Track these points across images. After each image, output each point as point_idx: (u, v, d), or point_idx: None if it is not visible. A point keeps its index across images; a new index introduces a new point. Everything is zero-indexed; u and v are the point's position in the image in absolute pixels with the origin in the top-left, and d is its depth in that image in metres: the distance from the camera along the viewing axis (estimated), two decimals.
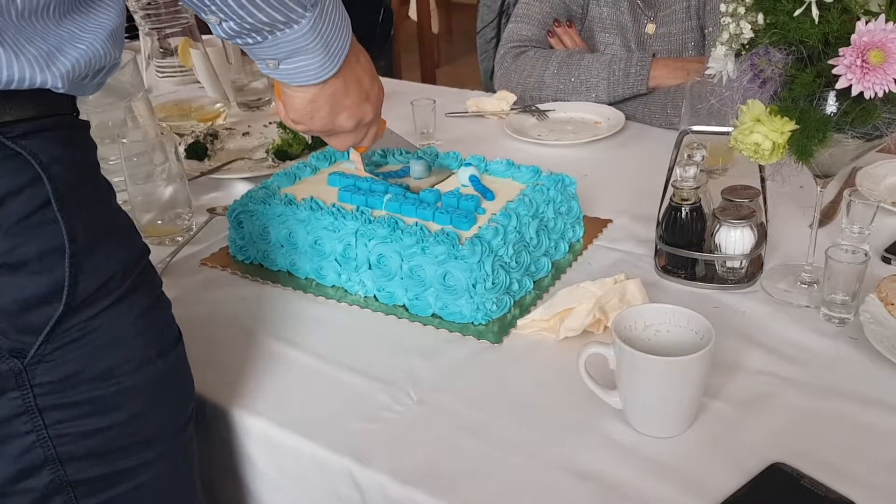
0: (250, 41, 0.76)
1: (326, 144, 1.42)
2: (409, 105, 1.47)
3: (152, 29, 1.64)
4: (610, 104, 1.55)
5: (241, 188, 1.31)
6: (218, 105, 1.62)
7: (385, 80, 1.92)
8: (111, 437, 0.69)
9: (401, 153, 1.19)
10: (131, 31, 2.67)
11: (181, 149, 1.43)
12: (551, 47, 1.65)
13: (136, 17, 1.65)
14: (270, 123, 1.58)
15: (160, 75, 1.67)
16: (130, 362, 0.69)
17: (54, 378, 0.64)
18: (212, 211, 1.26)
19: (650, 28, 1.61)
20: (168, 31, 1.65)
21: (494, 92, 1.66)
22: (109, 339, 0.66)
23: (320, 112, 0.87)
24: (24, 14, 0.59)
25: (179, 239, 1.19)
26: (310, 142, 1.43)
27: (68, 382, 0.65)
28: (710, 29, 1.50)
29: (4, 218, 0.60)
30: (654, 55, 1.52)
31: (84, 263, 0.64)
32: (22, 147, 0.60)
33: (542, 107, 1.59)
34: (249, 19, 0.72)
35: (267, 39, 0.75)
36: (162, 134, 1.17)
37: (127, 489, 0.72)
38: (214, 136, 1.51)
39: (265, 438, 0.84)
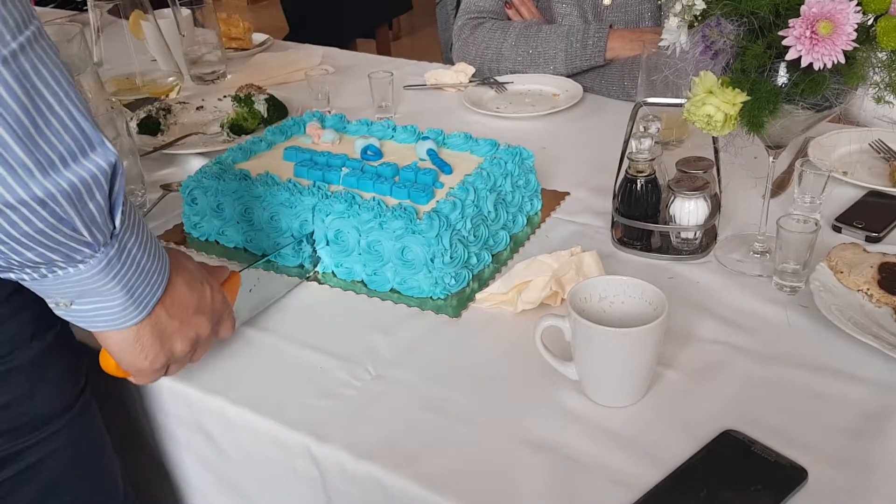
0: (26, 277, 0.62)
1: (284, 117, 1.41)
2: (365, 78, 1.46)
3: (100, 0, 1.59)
4: (568, 76, 1.55)
5: (196, 164, 1.29)
6: (171, 79, 1.59)
7: (342, 53, 1.91)
8: None
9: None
10: (80, 3, 2.58)
11: (133, 124, 1.40)
12: (509, 18, 1.65)
13: None
14: (225, 97, 1.55)
15: None
16: (3, 347, 0.69)
17: None
18: (166, 187, 1.24)
19: None
20: (118, 2, 1.60)
21: (454, 64, 1.65)
22: None
23: (151, 348, 0.72)
24: None
25: None
26: (266, 115, 1.41)
27: None
28: (664, 0, 1.50)
29: None
30: (611, 26, 1.52)
31: None
32: None
33: (500, 79, 1.58)
34: (16, 257, 0.59)
35: (47, 278, 0.62)
36: (112, 108, 1.14)
37: (19, 469, 0.73)
38: (167, 110, 1.48)
39: (223, 416, 0.84)
